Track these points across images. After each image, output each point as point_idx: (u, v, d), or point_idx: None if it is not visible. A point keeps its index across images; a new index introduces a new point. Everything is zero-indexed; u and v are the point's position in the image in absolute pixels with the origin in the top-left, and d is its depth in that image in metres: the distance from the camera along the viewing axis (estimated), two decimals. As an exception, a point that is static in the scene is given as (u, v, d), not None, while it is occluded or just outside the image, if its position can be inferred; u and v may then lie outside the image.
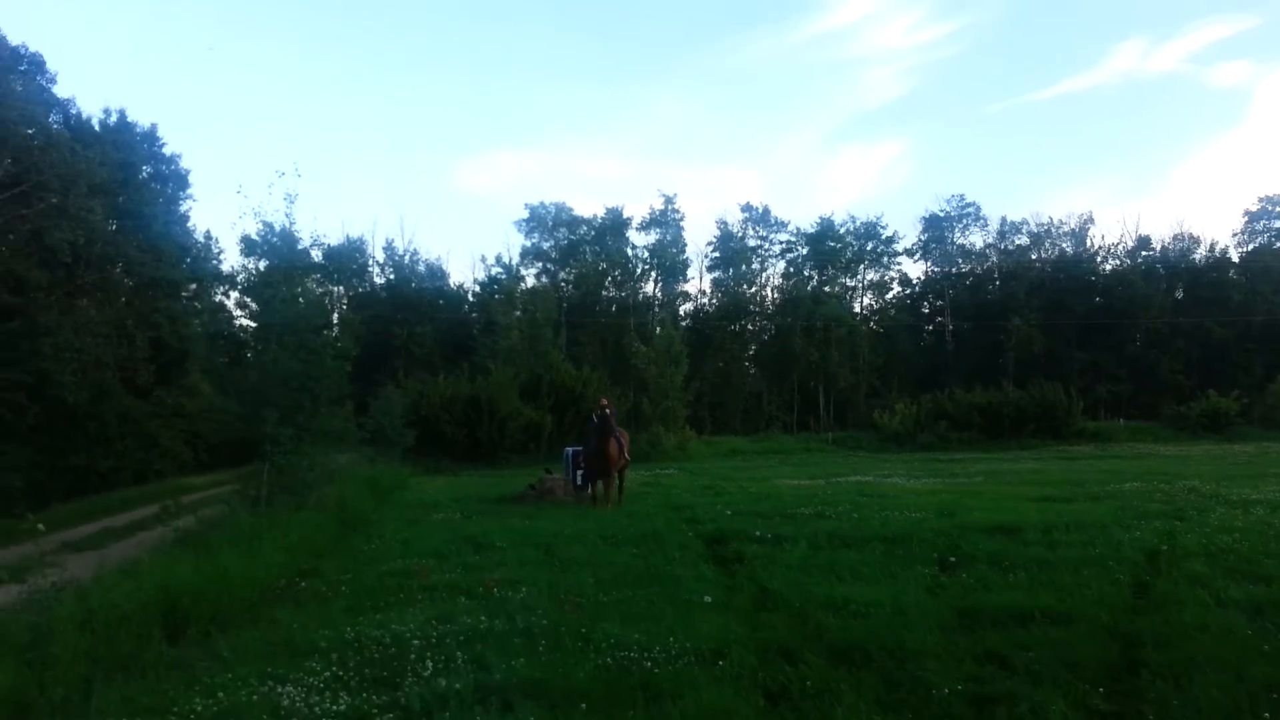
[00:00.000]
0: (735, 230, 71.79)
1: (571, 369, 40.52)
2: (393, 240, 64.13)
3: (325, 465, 15.87)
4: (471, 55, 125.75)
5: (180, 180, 38.11)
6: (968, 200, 73.64)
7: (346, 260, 61.40)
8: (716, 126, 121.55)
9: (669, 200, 69.71)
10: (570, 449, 21.04)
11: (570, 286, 66.01)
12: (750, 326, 70.07)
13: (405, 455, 29.43)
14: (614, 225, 69.44)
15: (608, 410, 17.67)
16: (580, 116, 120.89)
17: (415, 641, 6.83)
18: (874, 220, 72.46)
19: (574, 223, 69.88)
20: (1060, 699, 5.09)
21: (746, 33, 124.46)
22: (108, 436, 29.90)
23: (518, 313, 51.66)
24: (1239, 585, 7.84)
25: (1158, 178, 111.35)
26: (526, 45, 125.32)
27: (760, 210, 71.75)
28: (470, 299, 65.41)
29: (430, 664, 6.24)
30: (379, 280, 64.31)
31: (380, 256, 63.92)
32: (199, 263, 44.81)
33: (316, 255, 59.10)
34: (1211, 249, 69.70)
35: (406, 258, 63.53)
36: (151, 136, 37.54)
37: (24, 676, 6.04)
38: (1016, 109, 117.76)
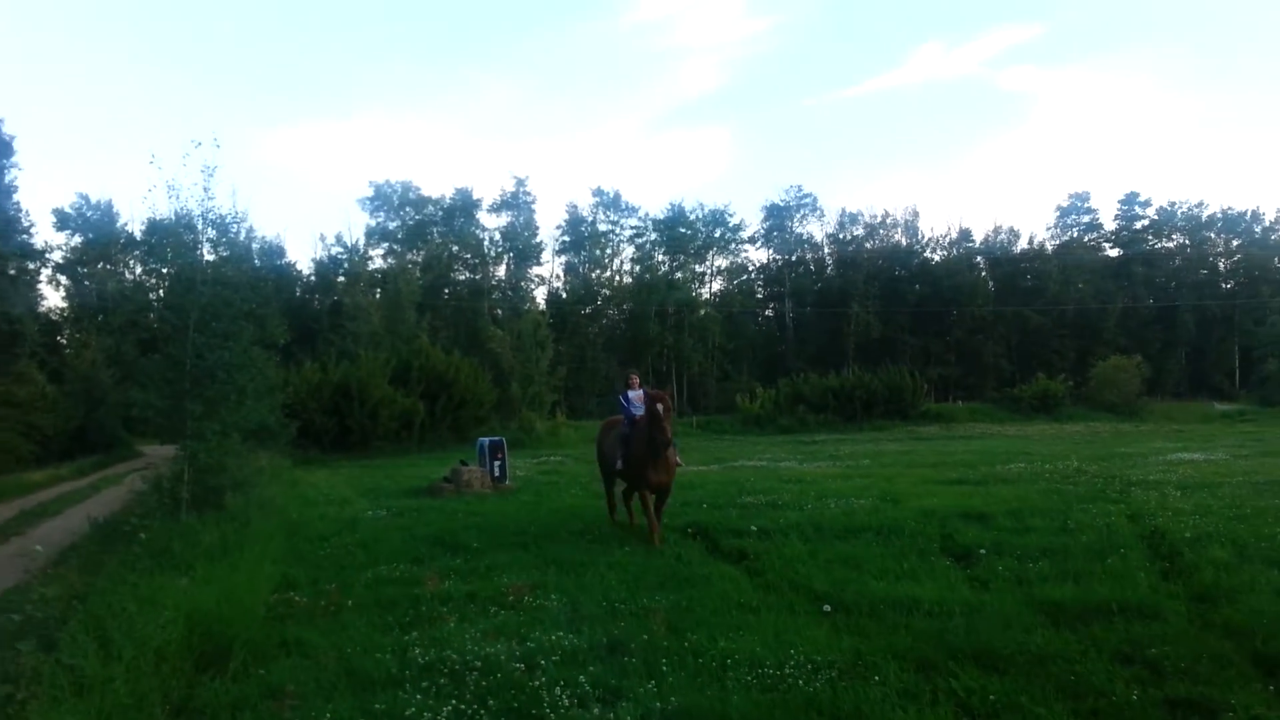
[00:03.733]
0: (586, 214, 71.62)
1: (441, 354, 39.18)
2: (225, 216, 59.85)
3: (251, 463, 14.59)
4: (290, 18, 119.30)
5: (4, 148, 34.04)
6: (805, 191, 76.42)
7: (173, 237, 56.85)
8: (550, 111, 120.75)
9: (520, 183, 68.82)
10: (484, 439, 20.32)
11: (419, 268, 63.87)
12: (610, 311, 70.04)
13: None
14: (464, 206, 67.84)
15: (648, 392, 12.09)
16: (412, 94, 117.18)
17: (517, 665, 6.28)
18: (721, 208, 73.97)
19: (421, 202, 67.79)
20: (1257, 703, 5.15)
21: (568, 19, 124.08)
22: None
23: (377, 294, 49.45)
24: (1265, 571, 8.31)
25: (967, 173, 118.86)
26: (348, 17, 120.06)
27: (611, 195, 71.84)
28: (312, 279, 62.21)
29: (561, 692, 5.72)
30: (209, 258, 59.92)
31: (211, 234, 59.57)
32: (5, 235, 40.31)
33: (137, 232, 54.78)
34: (1030, 242, 75.23)
35: (241, 235, 59.45)
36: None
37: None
38: (833, 104, 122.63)
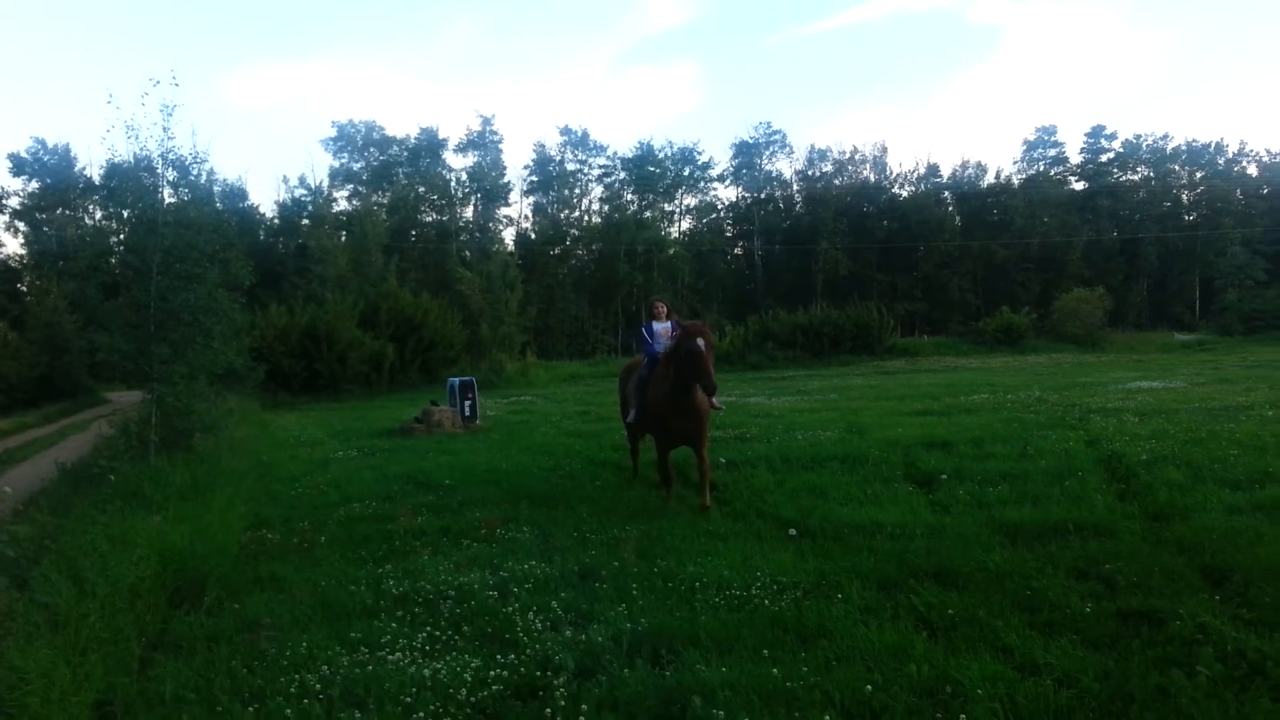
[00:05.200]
0: (554, 154, 70.77)
1: (410, 296, 38.90)
2: (185, 157, 58.50)
3: (219, 406, 14.52)
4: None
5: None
6: (774, 128, 75.87)
7: (132, 180, 55.60)
8: (516, 48, 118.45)
9: (486, 122, 67.78)
10: (455, 380, 20.33)
11: (385, 210, 62.95)
12: (579, 251, 69.63)
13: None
14: (429, 146, 66.82)
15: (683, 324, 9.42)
16: (374, 32, 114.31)
17: (490, 593, 6.40)
18: (690, 146, 73.34)
19: (385, 143, 66.69)
20: (1204, 612, 5.36)
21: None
22: None
23: (343, 236, 48.80)
24: (1216, 491, 8.58)
25: (936, 108, 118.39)
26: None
27: (579, 134, 70.98)
28: (276, 222, 61.18)
29: (534, 617, 5.85)
30: (170, 200, 58.71)
31: (172, 175, 58.29)
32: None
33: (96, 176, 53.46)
34: (997, 176, 75.37)
35: (202, 177, 58.23)
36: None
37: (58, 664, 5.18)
38: (802, 38, 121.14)
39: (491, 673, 5.00)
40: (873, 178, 75.81)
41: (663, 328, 10.31)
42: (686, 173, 73.77)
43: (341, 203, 62.72)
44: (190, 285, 12.86)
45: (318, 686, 4.94)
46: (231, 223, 22.11)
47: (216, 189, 59.18)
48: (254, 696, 4.95)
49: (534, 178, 70.45)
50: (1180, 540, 7.03)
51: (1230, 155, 75.78)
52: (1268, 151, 76.15)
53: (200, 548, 7.22)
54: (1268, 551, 6.48)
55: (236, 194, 59.98)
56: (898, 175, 76.46)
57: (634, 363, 11.94)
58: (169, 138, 14.18)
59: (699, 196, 76.06)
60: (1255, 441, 11.17)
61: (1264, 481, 8.88)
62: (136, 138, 13.88)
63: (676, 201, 75.24)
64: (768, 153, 75.90)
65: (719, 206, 77.30)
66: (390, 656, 5.33)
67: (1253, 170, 76.22)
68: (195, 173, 17.91)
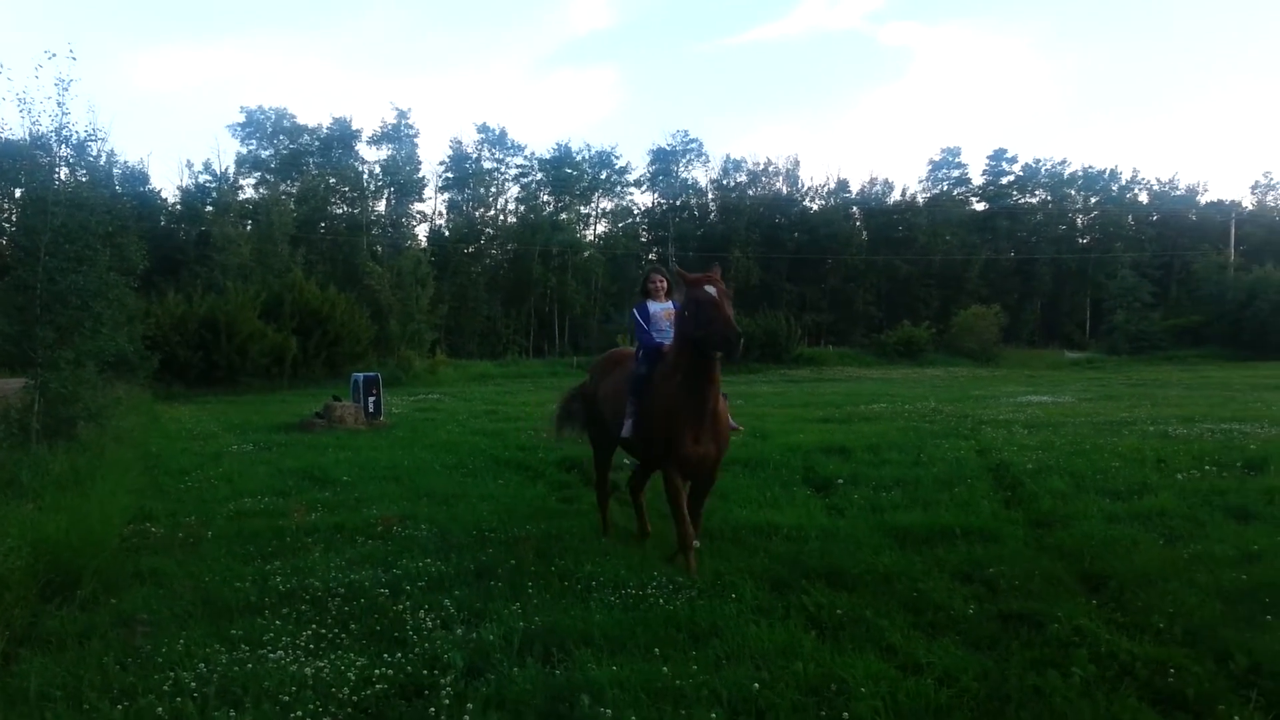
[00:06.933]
0: (470, 151, 69.99)
1: (316, 289, 37.94)
2: (82, 135, 56.01)
3: (107, 394, 13.91)
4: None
5: None
6: (691, 136, 76.47)
7: (25, 159, 52.92)
8: (435, 43, 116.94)
9: (402, 115, 66.46)
10: (359, 375, 19.90)
11: (293, 200, 61.25)
12: (493, 251, 68.95)
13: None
14: (341, 137, 65.27)
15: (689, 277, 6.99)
16: (288, 18, 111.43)
17: (382, 591, 6.27)
18: (608, 150, 73.37)
19: (296, 131, 64.88)
20: (1081, 615, 5.56)
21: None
22: None
23: (248, 225, 47.32)
24: (1097, 500, 8.96)
25: (847, 125, 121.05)
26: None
27: (497, 132, 70.31)
28: (178, 208, 58.97)
29: (425, 615, 5.75)
30: (65, 180, 56.03)
31: (67, 153, 55.64)
32: None
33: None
34: (903, 194, 77.54)
35: (101, 158, 55.80)
36: None
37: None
38: (720, 50, 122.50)
39: (377, 671, 4.87)
40: (785, 190, 77.14)
41: (662, 309, 7.69)
42: (604, 176, 73.78)
43: (248, 191, 60.88)
44: (80, 267, 12.33)
45: (193, 684, 4.74)
46: (128, 205, 21.28)
47: (117, 171, 56.99)
48: (125, 694, 4.72)
49: (449, 174, 69.52)
50: (1061, 546, 7.31)
51: (1123, 182, 79.34)
52: (1158, 180, 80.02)
53: (77, 539, 6.88)
54: (1142, 558, 6.79)
55: (138, 177, 57.51)
56: (809, 189, 78.02)
57: (611, 357, 8.80)
58: (64, 113, 13.60)
59: (615, 201, 76.21)
60: (1136, 454, 11.70)
61: (1142, 492, 9.30)
62: (30, 112, 13.25)
63: (593, 205, 75.19)
64: (684, 160, 76.43)
65: (635, 211, 77.54)
66: (272, 654, 5.15)
67: (1143, 198, 79.90)
68: (95, 153, 17.20)
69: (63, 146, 14.64)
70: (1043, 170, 77.99)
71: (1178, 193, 78.84)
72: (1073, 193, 79.23)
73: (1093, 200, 79.59)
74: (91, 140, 15.64)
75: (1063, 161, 78.24)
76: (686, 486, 7.07)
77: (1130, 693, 4.55)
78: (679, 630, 5.46)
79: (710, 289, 6.75)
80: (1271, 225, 74.90)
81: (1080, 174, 78.41)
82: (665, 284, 7.82)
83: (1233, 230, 66.43)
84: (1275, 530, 7.57)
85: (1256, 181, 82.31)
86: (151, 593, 6.53)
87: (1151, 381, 32.76)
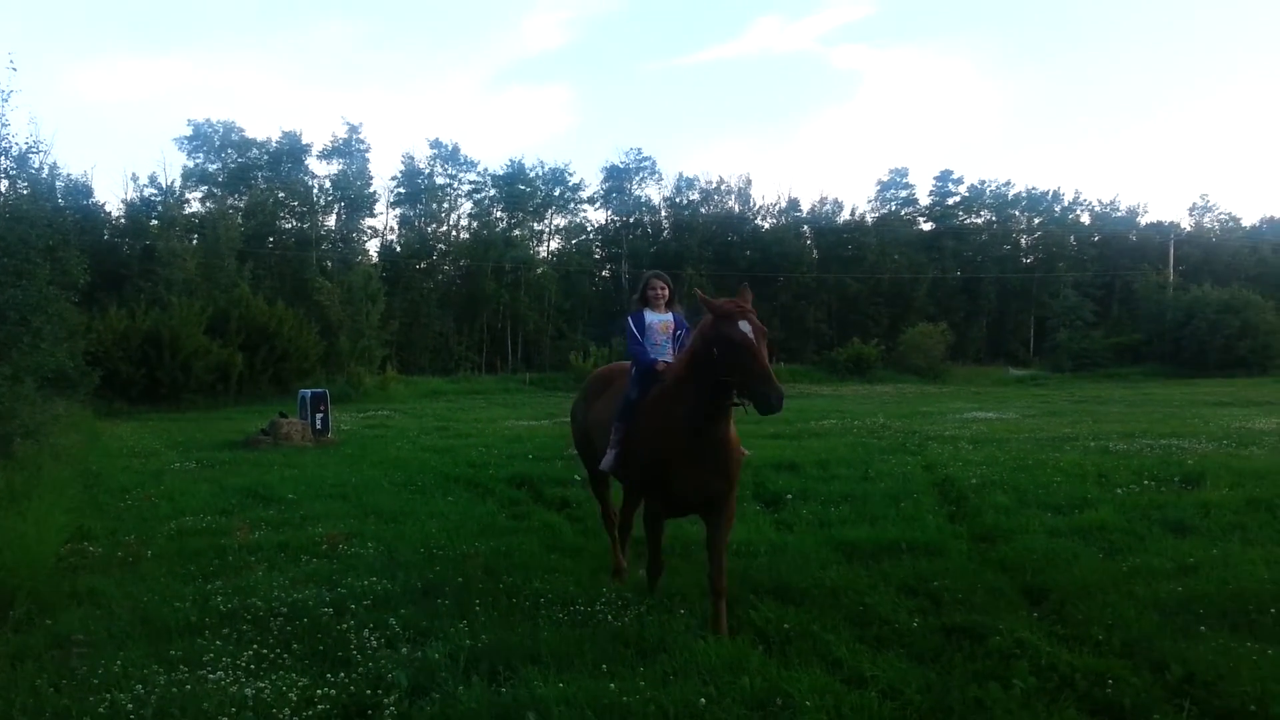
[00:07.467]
0: (423, 166, 69.57)
1: (263, 304, 37.35)
2: (23, 146, 54.72)
3: (46, 411, 13.55)
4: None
5: None
6: (644, 154, 76.83)
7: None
8: (388, 59, 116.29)
9: (353, 129, 65.76)
10: (306, 391, 19.63)
11: (241, 214, 60.27)
12: (445, 267, 68.49)
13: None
14: (291, 151, 64.41)
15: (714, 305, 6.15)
16: (237, 30, 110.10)
17: (325, 610, 6.18)
18: (562, 167, 73.43)
19: (244, 145, 63.88)
20: (1022, 628, 5.65)
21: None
22: None
23: (194, 239, 46.48)
24: (1039, 515, 9.13)
25: (798, 145, 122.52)
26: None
27: (450, 148, 69.98)
28: (123, 222, 57.73)
29: (369, 635, 5.67)
30: (2, 189, 54.65)
31: (7, 164, 54.32)
32: None
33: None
34: (853, 213, 78.62)
35: (43, 170, 54.47)
36: None
37: None
38: (673, 69, 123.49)
39: (319, 691, 4.80)
40: (737, 208, 77.71)
41: (660, 320, 6.82)
42: (557, 193, 73.80)
43: (194, 204, 59.76)
44: (20, 282, 12.06)
45: (130, 706, 4.64)
46: (70, 218, 20.84)
47: (59, 184, 55.56)
48: (59, 717, 4.62)
49: (401, 189, 68.98)
50: (1004, 560, 7.45)
51: (1066, 203, 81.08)
52: (1100, 201, 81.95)
53: (11, 559, 6.71)
54: (1083, 571, 6.94)
55: (81, 190, 56.07)
56: (761, 207, 78.66)
57: (602, 374, 7.93)
58: (4, 125, 13.31)
59: (569, 217, 76.23)
60: (1077, 470, 11.95)
61: (1083, 506, 9.51)
62: (-34, 121, 12.94)
63: (546, 221, 75.16)
64: (637, 178, 76.68)
65: (588, 228, 77.61)
66: (211, 675, 5.06)
67: (1085, 218, 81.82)
68: (36, 165, 16.85)
69: (2, 159, 14.30)
70: (988, 191, 79.56)
71: (1119, 214, 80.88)
72: (1017, 213, 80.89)
73: (1036, 221, 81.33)
74: (33, 152, 15.37)
75: (1007, 183, 79.92)
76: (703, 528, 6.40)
77: (1070, 704, 4.64)
78: (627, 646, 5.47)
79: (745, 327, 5.73)
80: (1208, 246, 77.17)
81: (1024, 195, 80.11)
82: (667, 292, 6.97)
83: (1171, 251, 68.26)
84: (1211, 543, 7.79)
85: (1194, 203, 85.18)
86: (88, 613, 6.39)
87: (1093, 398, 33.48)
